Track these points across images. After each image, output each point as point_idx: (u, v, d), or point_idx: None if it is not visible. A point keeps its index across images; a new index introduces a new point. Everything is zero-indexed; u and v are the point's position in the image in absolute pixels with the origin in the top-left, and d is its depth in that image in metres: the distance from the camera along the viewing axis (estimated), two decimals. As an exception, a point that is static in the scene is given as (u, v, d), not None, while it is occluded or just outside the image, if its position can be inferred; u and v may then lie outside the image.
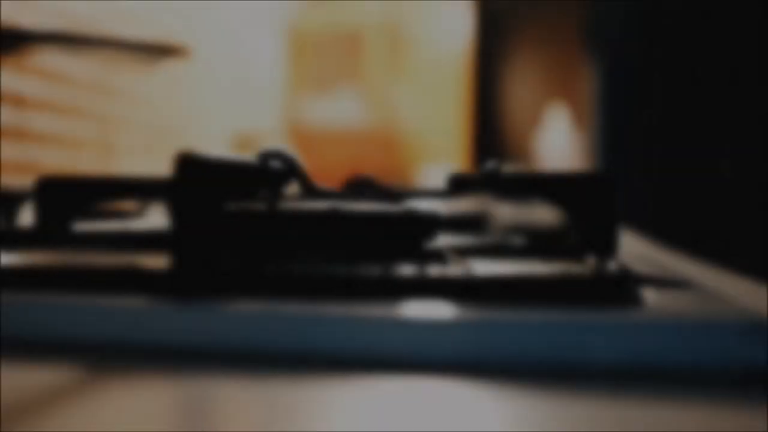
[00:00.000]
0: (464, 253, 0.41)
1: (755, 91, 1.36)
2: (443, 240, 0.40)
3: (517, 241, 0.48)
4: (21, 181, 0.81)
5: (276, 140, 1.85)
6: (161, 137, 1.35)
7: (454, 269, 0.28)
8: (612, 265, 0.28)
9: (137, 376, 0.22)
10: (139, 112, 1.27)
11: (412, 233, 0.37)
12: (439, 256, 0.37)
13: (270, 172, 0.35)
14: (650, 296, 0.27)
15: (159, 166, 1.30)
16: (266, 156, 0.35)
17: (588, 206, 0.35)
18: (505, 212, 0.81)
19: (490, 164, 0.37)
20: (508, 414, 0.19)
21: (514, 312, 0.23)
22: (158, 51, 0.69)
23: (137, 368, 0.22)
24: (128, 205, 0.68)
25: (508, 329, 0.23)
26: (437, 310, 0.23)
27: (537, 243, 0.47)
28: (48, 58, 0.96)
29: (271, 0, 2.13)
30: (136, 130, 1.26)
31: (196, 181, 0.29)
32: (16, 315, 0.25)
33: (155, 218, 0.66)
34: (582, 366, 0.22)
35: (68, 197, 0.42)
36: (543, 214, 0.81)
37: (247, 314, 0.24)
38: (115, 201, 0.56)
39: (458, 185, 0.38)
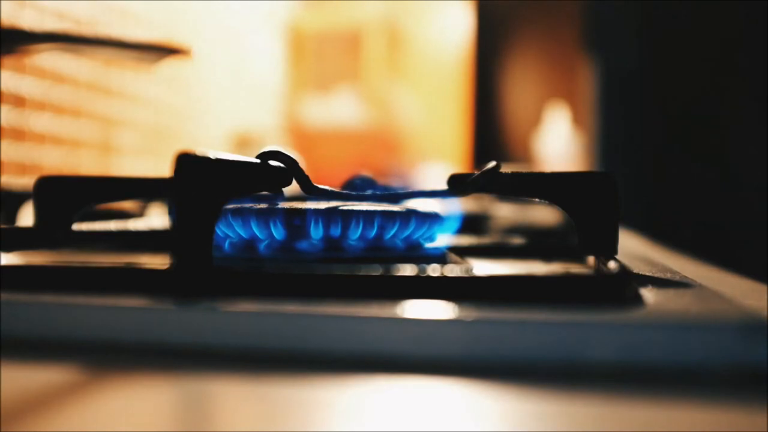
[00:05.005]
0: (464, 253, 0.41)
1: (755, 91, 1.36)
2: (443, 240, 0.40)
3: (517, 241, 0.48)
4: (21, 181, 0.81)
5: (276, 140, 1.85)
6: (161, 137, 1.35)
7: (454, 269, 0.28)
8: (612, 265, 0.28)
9: (137, 376, 0.22)
10: (139, 112, 1.27)
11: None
12: (439, 256, 0.37)
13: (270, 172, 0.35)
14: (650, 296, 0.27)
15: (159, 166, 1.30)
16: (266, 155, 0.35)
17: (588, 206, 0.35)
18: (505, 212, 0.81)
19: (490, 164, 0.37)
20: (508, 414, 0.19)
21: (514, 312, 0.23)
22: (159, 51, 0.68)
23: (137, 368, 0.22)
24: (128, 205, 0.68)
25: (508, 329, 0.23)
26: (437, 310, 0.23)
27: (537, 243, 0.47)
28: (48, 58, 0.96)
29: (271, 0, 2.13)
30: (136, 130, 1.26)
31: (196, 181, 0.29)
32: (16, 315, 0.25)
33: (155, 218, 0.66)
34: (582, 366, 0.22)
35: (68, 197, 0.42)
36: (543, 214, 0.81)
37: (247, 314, 0.24)
38: (115, 201, 0.56)
39: (458, 185, 0.37)
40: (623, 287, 0.27)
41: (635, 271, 0.34)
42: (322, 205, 0.35)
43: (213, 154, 0.30)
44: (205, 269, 0.28)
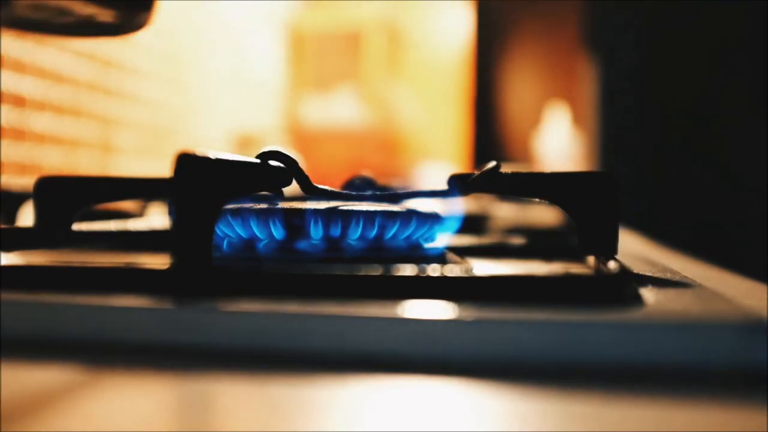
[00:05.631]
0: (464, 253, 0.41)
1: (755, 91, 1.36)
2: (443, 240, 0.40)
3: (517, 241, 0.48)
4: (21, 181, 0.81)
5: (276, 140, 1.85)
6: (161, 137, 1.35)
7: (454, 269, 0.28)
8: (612, 265, 0.28)
9: (137, 376, 0.22)
10: (139, 112, 1.27)
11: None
12: (439, 256, 0.37)
13: (270, 172, 0.35)
14: (650, 296, 0.27)
15: (159, 166, 1.30)
16: (266, 155, 0.35)
17: (588, 206, 0.35)
18: (505, 212, 0.81)
19: (490, 164, 0.37)
20: (508, 414, 0.19)
21: (514, 312, 0.23)
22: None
23: (137, 368, 0.22)
24: (128, 205, 0.68)
25: (508, 329, 0.23)
26: (437, 310, 0.23)
27: (537, 243, 0.47)
28: (48, 58, 0.96)
29: (271, 0, 2.13)
30: (136, 130, 1.26)
31: (196, 180, 0.29)
32: (16, 315, 0.25)
33: (155, 218, 0.66)
34: (582, 366, 0.22)
35: (68, 197, 0.42)
36: (543, 214, 0.81)
37: (247, 314, 0.24)
38: (115, 201, 0.56)
39: (458, 185, 0.37)
40: (623, 287, 0.27)
41: (635, 271, 0.34)
42: (322, 205, 0.35)
43: (213, 154, 0.30)
44: (205, 269, 0.28)
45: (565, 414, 0.19)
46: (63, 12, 0.55)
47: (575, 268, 0.35)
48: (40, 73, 0.95)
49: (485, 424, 0.18)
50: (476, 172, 0.37)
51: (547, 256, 0.41)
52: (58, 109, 1.00)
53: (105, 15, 0.56)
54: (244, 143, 1.64)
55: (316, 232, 0.34)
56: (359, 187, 0.43)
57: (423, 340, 0.23)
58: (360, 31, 2.53)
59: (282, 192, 0.36)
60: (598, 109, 1.56)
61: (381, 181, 0.46)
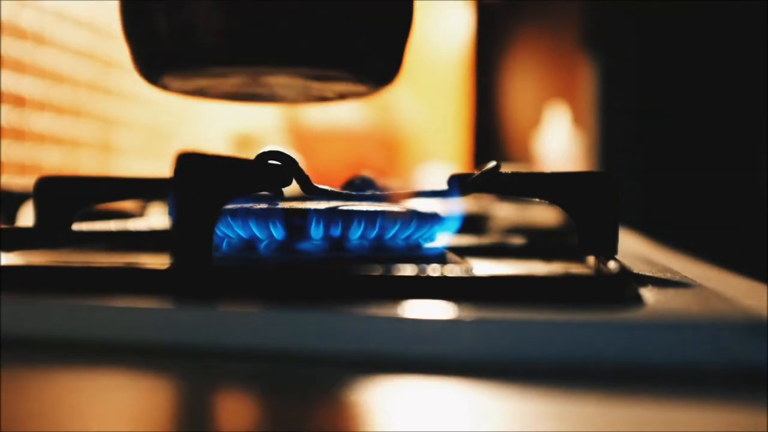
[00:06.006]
0: (464, 253, 0.41)
1: (753, 91, 1.36)
2: (443, 240, 0.40)
3: (517, 241, 0.48)
4: (21, 181, 0.81)
5: (276, 140, 1.85)
6: (161, 137, 1.35)
7: (454, 269, 0.28)
8: (612, 265, 0.28)
9: (137, 376, 0.22)
10: (139, 112, 1.27)
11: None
12: (439, 256, 0.37)
13: (270, 172, 0.35)
14: (650, 296, 0.27)
15: (159, 166, 1.30)
16: (266, 155, 0.35)
17: (588, 206, 0.35)
18: (505, 212, 0.81)
19: (490, 164, 0.37)
20: (508, 414, 0.19)
21: (514, 312, 0.23)
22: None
23: (137, 368, 0.22)
24: (128, 205, 0.68)
25: (508, 329, 0.23)
26: (437, 310, 0.23)
27: (537, 243, 0.47)
28: (48, 58, 0.96)
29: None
30: (136, 130, 1.26)
31: (196, 181, 0.29)
32: (16, 315, 0.25)
33: (155, 218, 0.66)
34: (582, 366, 0.22)
35: (68, 197, 0.42)
36: (543, 214, 0.81)
37: (247, 314, 0.24)
38: (115, 201, 0.56)
39: (458, 185, 0.37)
40: (623, 287, 0.27)
41: (635, 271, 0.34)
42: (322, 205, 0.35)
43: (213, 154, 0.30)
44: (205, 269, 0.28)
45: (565, 414, 0.19)
46: (309, 89, 0.49)
47: (575, 268, 0.35)
48: (40, 73, 0.95)
49: (485, 425, 0.18)
50: (476, 172, 0.37)
51: (547, 256, 0.41)
52: (58, 109, 1.00)
53: (356, 89, 0.49)
54: (244, 143, 1.64)
55: (316, 232, 0.34)
56: (359, 187, 0.43)
57: (423, 340, 0.23)
58: (360, 31, 2.52)
59: (282, 192, 0.36)
60: (598, 109, 1.56)
61: (381, 181, 0.46)
